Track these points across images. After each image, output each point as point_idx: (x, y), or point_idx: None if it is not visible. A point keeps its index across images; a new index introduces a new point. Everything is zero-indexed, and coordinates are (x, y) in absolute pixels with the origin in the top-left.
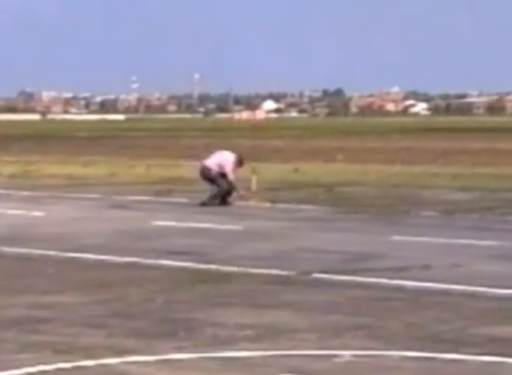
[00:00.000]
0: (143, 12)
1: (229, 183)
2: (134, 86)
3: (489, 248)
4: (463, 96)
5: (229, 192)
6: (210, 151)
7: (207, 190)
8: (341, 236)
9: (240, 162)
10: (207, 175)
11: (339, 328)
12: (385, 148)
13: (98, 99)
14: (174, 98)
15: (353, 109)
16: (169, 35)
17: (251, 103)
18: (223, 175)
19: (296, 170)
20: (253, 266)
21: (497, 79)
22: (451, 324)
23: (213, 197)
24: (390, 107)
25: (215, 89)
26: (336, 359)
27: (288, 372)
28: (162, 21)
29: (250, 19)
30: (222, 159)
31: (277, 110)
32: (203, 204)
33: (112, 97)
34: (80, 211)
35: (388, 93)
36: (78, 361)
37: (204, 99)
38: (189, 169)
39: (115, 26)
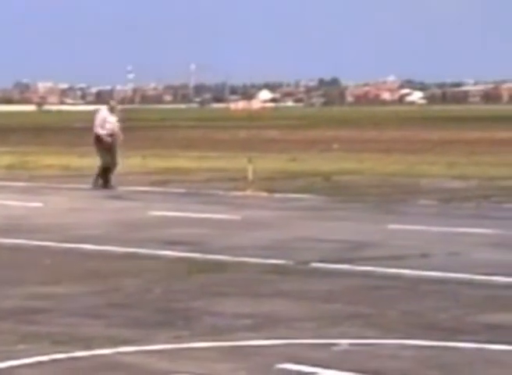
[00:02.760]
0: (138, 3)
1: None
2: (130, 76)
3: (486, 236)
4: (459, 85)
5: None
6: (206, 141)
7: (201, 180)
8: (338, 225)
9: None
10: (106, 143)
11: (337, 317)
12: (381, 137)
13: (94, 90)
14: (170, 88)
15: (349, 98)
16: (165, 25)
17: (247, 93)
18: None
19: (292, 160)
20: (250, 256)
21: (493, 67)
22: (449, 312)
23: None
24: (386, 96)
25: (211, 79)
26: (335, 348)
27: (286, 361)
28: (158, 11)
29: (245, 9)
30: (102, 116)
31: (273, 100)
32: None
33: (108, 87)
34: (76, 202)
35: (384, 82)
36: (76, 351)
37: (199, 89)
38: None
39: (110, 16)
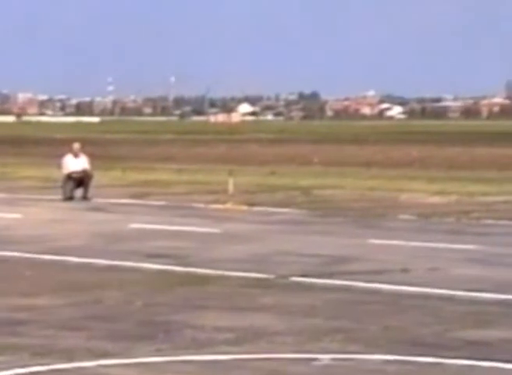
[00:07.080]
0: (118, 14)
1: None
2: (110, 88)
3: (466, 251)
4: (438, 100)
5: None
6: (186, 154)
7: (181, 192)
8: (318, 239)
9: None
10: (75, 179)
11: (318, 331)
12: (361, 151)
13: (74, 101)
14: (149, 101)
15: (329, 113)
16: (145, 37)
17: (227, 106)
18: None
19: (272, 173)
20: (231, 269)
21: (472, 83)
22: (430, 328)
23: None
24: (366, 110)
25: (191, 92)
26: (315, 363)
27: None
28: (138, 23)
29: (225, 22)
30: (66, 163)
31: (253, 113)
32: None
33: (87, 99)
34: (57, 213)
35: (364, 97)
36: (57, 364)
37: (179, 102)
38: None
39: (90, 27)
